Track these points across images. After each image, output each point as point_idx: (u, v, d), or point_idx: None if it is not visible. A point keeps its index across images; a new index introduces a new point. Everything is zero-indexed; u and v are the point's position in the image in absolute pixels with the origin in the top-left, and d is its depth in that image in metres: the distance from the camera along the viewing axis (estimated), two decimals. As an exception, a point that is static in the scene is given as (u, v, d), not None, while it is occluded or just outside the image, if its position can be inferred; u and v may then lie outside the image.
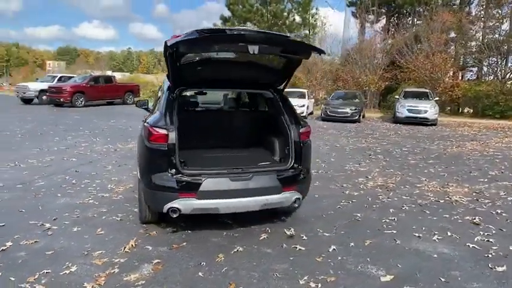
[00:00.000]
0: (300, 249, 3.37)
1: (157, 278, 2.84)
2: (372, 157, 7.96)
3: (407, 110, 14.94)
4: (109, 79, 20.95)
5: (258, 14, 21.75)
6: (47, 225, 3.74)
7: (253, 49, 2.95)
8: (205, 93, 4.77)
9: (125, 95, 20.95)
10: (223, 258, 3.15)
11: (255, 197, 3.38)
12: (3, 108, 18.06)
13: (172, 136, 3.28)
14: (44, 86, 19.28)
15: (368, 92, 21.63)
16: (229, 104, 5.11)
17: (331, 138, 10.84)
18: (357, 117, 15.26)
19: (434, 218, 4.24)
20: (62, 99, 17.71)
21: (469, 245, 3.48)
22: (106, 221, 3.92)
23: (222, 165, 3.54)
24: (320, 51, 3.31)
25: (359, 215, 4.32)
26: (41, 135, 9.73)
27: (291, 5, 22.89)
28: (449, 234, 3.75)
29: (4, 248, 3.22)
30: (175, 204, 3.24)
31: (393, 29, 23.75)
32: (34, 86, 19.79)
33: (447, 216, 4.31)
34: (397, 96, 16.94)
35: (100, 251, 3.22)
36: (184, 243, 3.44)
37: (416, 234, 3.75)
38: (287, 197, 3.53)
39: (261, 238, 3.58)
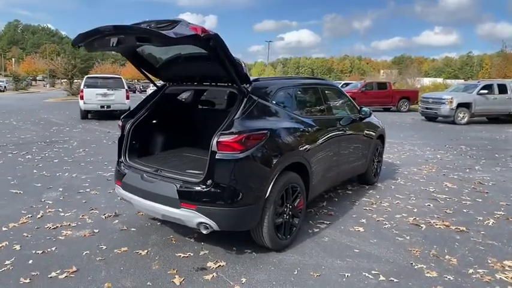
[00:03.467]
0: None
1: (72, 242, 3.32)
2: None
3: None
4: (383, 85, 20.74)
5: None
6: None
7: (113, 41, 2.74)
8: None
9: (399, 102, 20.20)
10: (123, 255, 3.11)
11: (156, 203, 3.01)
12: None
13: (126, 127, 3.55)
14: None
15: None
16: (222, 103, 4.28)
17: None
18: None
19: None
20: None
21: None
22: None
23: (167, 166, 3.32)
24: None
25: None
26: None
27: None
28: None
29: (81, 191, 4.80)
30: (115, 188, 3.54)
31: None
32: None
33: None
34: None
35: (98, 212, 4.06)
36: (133, 229, 3.62)
37: None
38: (186, 215, 2.88)
39: (184, 256, 3.09)
